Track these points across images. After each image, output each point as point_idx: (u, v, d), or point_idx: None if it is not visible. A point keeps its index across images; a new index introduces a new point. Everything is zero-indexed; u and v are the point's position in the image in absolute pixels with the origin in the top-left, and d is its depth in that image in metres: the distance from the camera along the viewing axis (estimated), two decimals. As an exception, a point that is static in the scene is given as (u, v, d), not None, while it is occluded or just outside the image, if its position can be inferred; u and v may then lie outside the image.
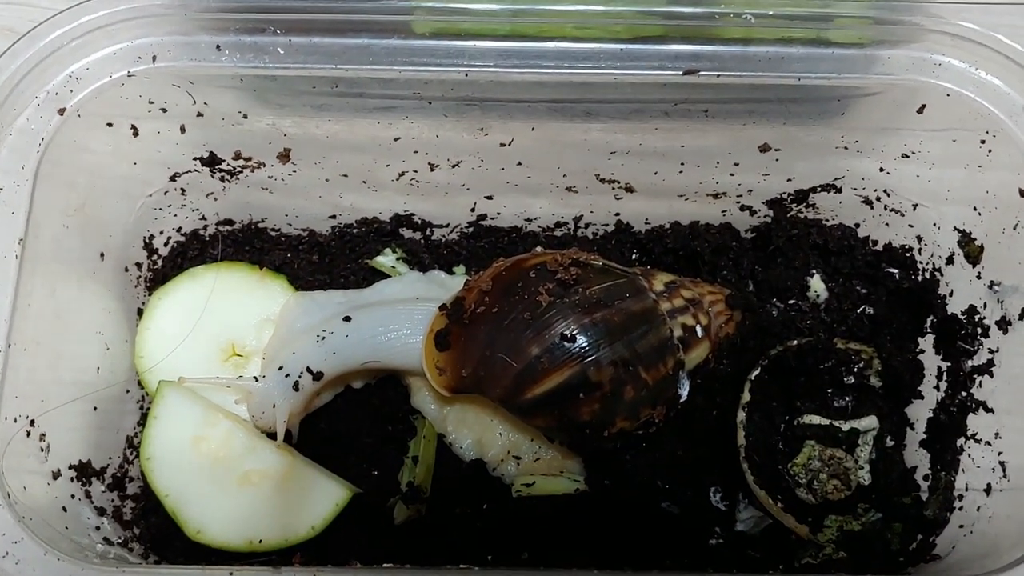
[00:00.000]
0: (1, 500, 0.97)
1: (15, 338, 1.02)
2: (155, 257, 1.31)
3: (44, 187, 1.06)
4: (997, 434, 1.15)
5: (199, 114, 1.16)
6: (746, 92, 1.12)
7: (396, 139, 1.19)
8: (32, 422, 1.05)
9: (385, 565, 1.15)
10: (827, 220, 1.32)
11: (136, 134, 1.17)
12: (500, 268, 1.14)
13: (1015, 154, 1.08)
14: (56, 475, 1.10)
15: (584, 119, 1.16)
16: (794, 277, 1.31)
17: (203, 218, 1.33)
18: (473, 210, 1.33)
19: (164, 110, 1.15)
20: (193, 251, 1.33)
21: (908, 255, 1.29)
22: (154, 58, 1.08)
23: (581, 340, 1.05)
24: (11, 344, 1.01)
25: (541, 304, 1.06)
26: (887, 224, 1.30)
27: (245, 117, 1.17)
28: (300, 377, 1.18)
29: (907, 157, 1.20)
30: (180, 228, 1.32)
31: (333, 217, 1.34)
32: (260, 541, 1.16)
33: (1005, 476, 1.12)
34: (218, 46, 1.07)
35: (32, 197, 1.05)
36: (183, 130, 1.18)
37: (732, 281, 1.30)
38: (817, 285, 1.31)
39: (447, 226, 1.36)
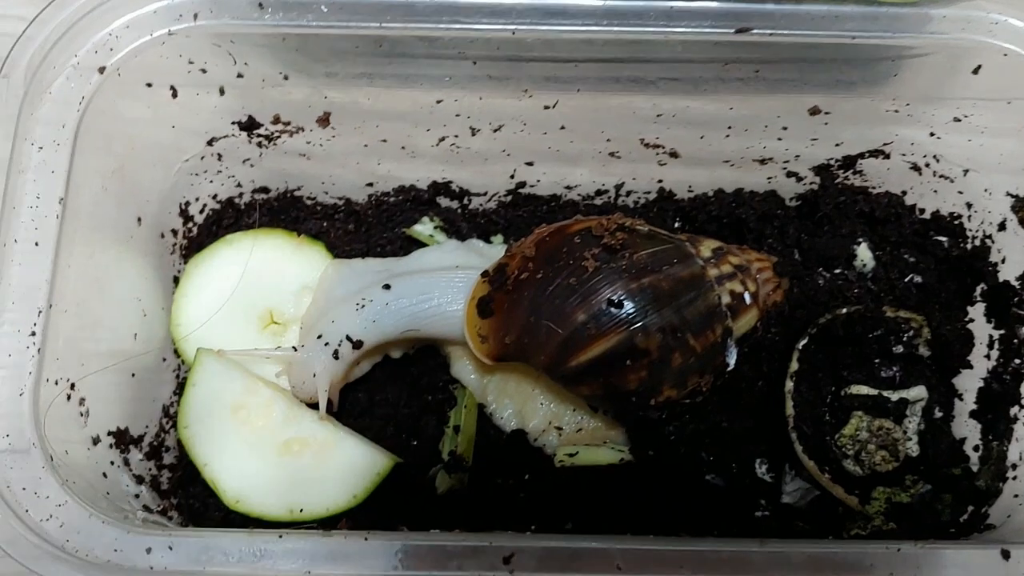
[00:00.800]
0: (45, 464, 0.96)
1: (56, 300, 1.00)
2: (190, 224, 1.29)
3: (84, 147, 1.04)
4: (1054, 402, 1.13)
5: (239, 75, 1.14)
6: (798, 52, 1.09)
7: (438, 102, 1.17)
8: (72, 385, 1.04)
9: (433, 531, 1.13)
10: (873, 187, 1.30)
11: (175, 95, 1.14)
12: (543, 234, 1.11)
13: (1074, 117, 1.06)
14: (96, 441, 1.08)
15: (632, 80, 1.14)
16: (841, 245, 1.29)
17: (239, 185, 1.31)
18: (513, 177, 1.31)
19: (204, 71, 1.13)
20: (228, 219, 1.31)
21: (957, 222, 1.27)
22: (195, 16, 1.06)
23: (628, 306, 1.03)
24: (52, 305, 0.99)
25: (587, 269, 1.04)
26: (935, 191, 1.27)
27: (286, 79, 1.15)
28: (340, 346, 1.16)
29: (958, 121, 1.18)
30: (216, 195, 1.30)
31: (370, 185, 1.32)
32: (301, 510, 1.14)
33: (1063, 444, 1.10)
34: (260, 4, 1.05)
35: (72, 158, 1.03)
36: (222, 92, 1.16)
37: (778, 249, 1.28)
38: (864, 254, 1.29)
39: (485, 194, 1.33)
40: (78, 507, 0.94)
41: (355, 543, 0.94)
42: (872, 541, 1.00)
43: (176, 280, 1.26)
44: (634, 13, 1.05)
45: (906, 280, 1.28)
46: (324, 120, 1.20)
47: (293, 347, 1.20)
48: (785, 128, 1.21)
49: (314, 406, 1.19)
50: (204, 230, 1.31)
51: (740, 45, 1.07)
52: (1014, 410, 1.17)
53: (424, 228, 1.32)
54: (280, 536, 0.94)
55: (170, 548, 0.93)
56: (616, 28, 1.05)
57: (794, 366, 1.20)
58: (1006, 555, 0.93)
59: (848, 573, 0.93)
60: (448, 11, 1.05)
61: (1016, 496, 1.13)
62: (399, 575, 0.93)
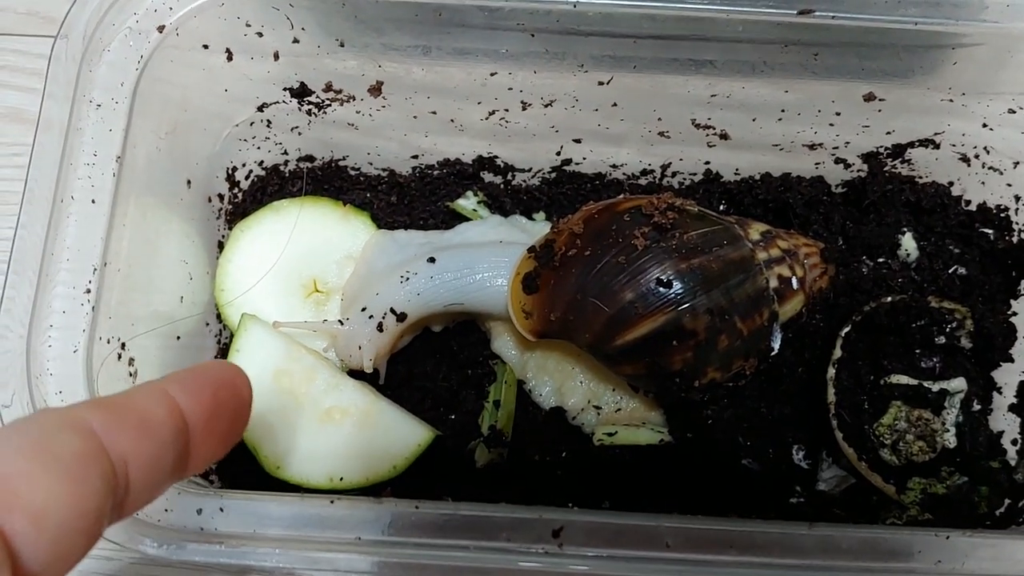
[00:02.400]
0: (96, 422, 0.95)
1: (110, 258, 1.00)
2: (236, 190, 1.29)
3: (140, 107, 1.04)
4: (1092, 398, 1.13)
5: (295, 40, 1.13)
6: (858, 36, 1.08)
7: (492, 74, 1.16)
8: (123, 345, 1.03)
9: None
10: (920, 177, 1.30)
11: (230, 59, 1.14)
12: (592, 211, 1.11)
13: None
14: (143, 402, 1.08)
15: (689, 58, 1.13)
16: (886, 234, 1.28)
17: (285, 153, 1.31)
18: (559, 154, 1.30)
19: (260, 35, 1.12)
20: (273, 186, 1.31)
21: (1004, 215, 1.26)
22: (256, -22, 1.05)
23: (677, 286, 1.03)
24: (107, 263, 0.99)
25: (636, 248, 1.04)
26: (983, 183, 1.27)
27: (342, 46, 1.14)
28: (384, 318, 1.16)
29: (1013, 113, 1.17)
30: (262, 162, 1.30)
31: (415, 157, 1.32)
32: (341, 479, 1.14)
33: (1104, 440, 1.10)
34: (324, -34, 1.05)
35: (130, 117, 1.03)
36: (276, 57, 1.15)
37: (823, 236, 1.28)
38: (908, 243, 1.28)
39: (529, 171, 1.33)
40: (128, 467, 0.94)
41: (405, 511, 0.94)
42: (919, 528, 1.00)
43: (220, 245, 1.26)
44: (696, -10, 1.05)
45: (950, 271, 1.27)
46: (376, 89, 1.20)
47: (339, 320, 1.20)
48: (838, 114, 1.20)
49: (362, 375, 1.19)
50: (249, 196, 1.30)
51: (801, 27, 1.06)
52: (1056, 405, 1.17)
53: (467, 203, 1.31)
54: (332, 502, 0.94)
55: (221, 510, 0.93)
56: (678, 5, 1.04)
57: (837, 353, 1.20)
58: (1053, 547, 0.94)
59: (895, 559, 0.93)
60: (510, -19, 1.05)
61: (1056, 490, 1.13)
62: (448, 543, 0.93)
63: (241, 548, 0.92)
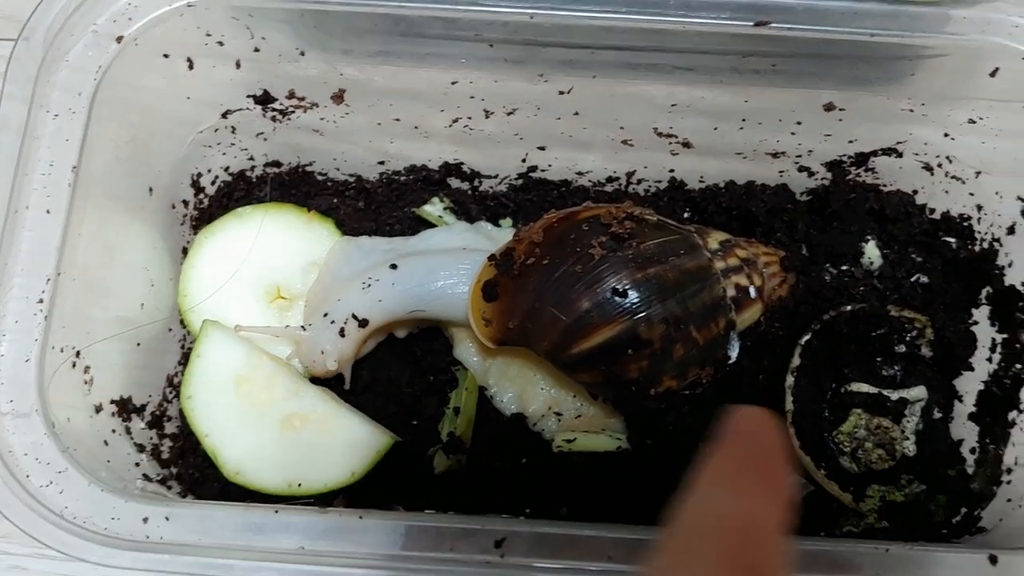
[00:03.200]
0: (47, 430, 0.97)
1: (64, 267, 1.01)
2: (201, 196, 1.30)
3: (99, 116, 1.04)
4: (1051, 409, 1.13)
5: (256, 49, 1.14)
6: (816, 47, 1.09)
7: (453, 83, 1.17)
8: (78, 353, 1.04)
9: (427, 511, 1.14)
10: (885, 185, 1.30)
11: (191, 67, 1.15)
12: (552, 220, 1.12)
13: (1088, 123, 1.06)
14: (98, 409, 1.09)
15: (648, 69, 1.13)
16: (849, 242, 1.28)
17: (251, 158, 1.31)
18: (524, 160, 1.31)
19: (221, 44, 1.13)
20: (240, 192, 1.32)
21: (967, 224, 1.27)
22: (215, -12, 1.06)
23: (633, 295, 1.03)
24: (60, 272, 1.00)
25: (593, 257, 1.04)
26: (947, 192, 1.27)
27: (303, 54, 1.15)
28: (346, 324, 1.17)
29: (974, 123, 1.17)
30: (228, 167, 1.31)
31: (381, 163, 1.32)
32: (299, 485, 1.15)
33: (1058, 451, 1.11)
34: (280, -22, 1.06)
35: (87, 126, 1.03)
36: (238, 65, 1.16)
37: (786, 244, 1.28)
38: (872, 251, 1.29)
39: (496, 177, 1.34)
40: (78, 474, 0.95)
41: (350, 520, 0.94)
42: (862, 540, 1.00)
43: (185, 251, 1.27)
44: (654, 2, 1.05)
45: (912, 279, 1.28)
46: (338, 97, 1.21)
47: (302, 326, 1.21)
48: (799, 123, 1.20)
49: (325, 382, 1.21)
50: (215, 202, 1.31)
51: (759, 38, 1.07)
52: (1012, 414, 1.17)
53: (433, 208, 1.32)
54: (276, 511, 0.95)
55: (167, 519, 0.94)
56: (635, 16, 1.05)
57: (795, 361, 1.20)
58: (993, 560, 0.94)
59: (836, 572, 0.93)
60: (468, -8, 1.05)
61: (1009, 500, 1.13)
62: (392, 554, 0.93)
63: (185, 557, 0.92)
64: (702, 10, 1.04)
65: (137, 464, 1.12)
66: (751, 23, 1.05)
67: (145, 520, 0.94)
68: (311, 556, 0.93)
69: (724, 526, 0.63)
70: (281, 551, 0.93)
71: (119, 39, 1.05)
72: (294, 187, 1.33)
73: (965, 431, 1.23)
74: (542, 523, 0.99)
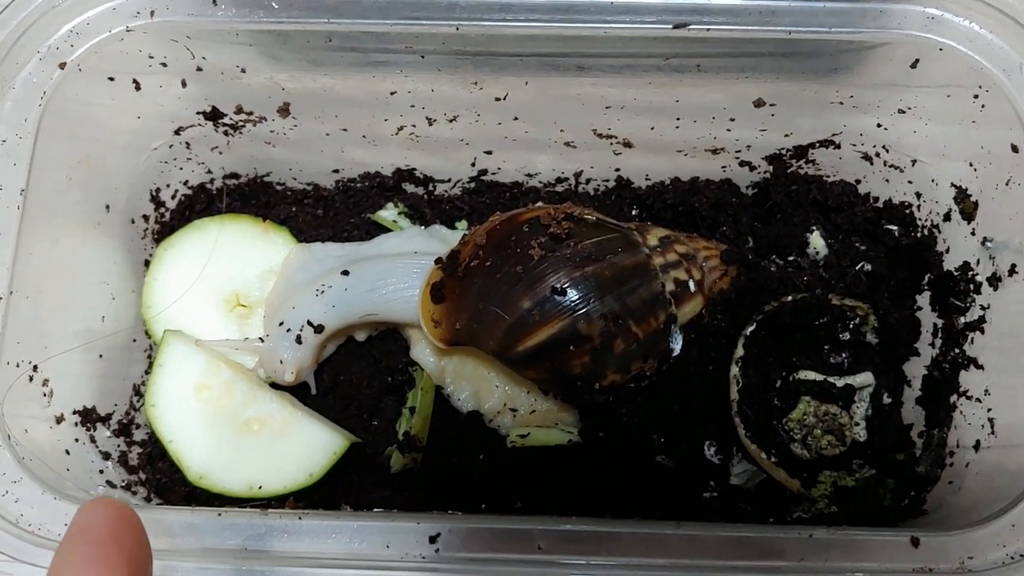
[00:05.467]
0: (2, 442, 1.01)
1: (16, 286, 1.05)
2: (162, 210, 1.34)
3: (46, 139, 1.09)
4: (987, 391, 1.14)
5: (199, 68, 1.17)
6: (738, 46, 1.11)
7: (392, 93, 1.20)
8: (35, 367, 1.08)
9: (375, 510, 1.17)
10: (828, 176, 1.32)
11: (138, 88, 1.18)
12: (495, 222, 1.15)
13: (1007, 109, 1.07)
14: (59, 419, 1.13)
15: (577, 73, 1.16)
16: (793, 233, 1.31)
17: (209, 171, 1.35)
18: (474, 165, 1.34)
19: (164, 64, 1.16)
20: (200, 204, 1.36)
21: (908, 212, 1.29)
22: (152, 13, 1.09)
23: (572, 293, 1.06)
24: (13, 292, 1.04)
25: (533, 258, 1.07)
26: (887, 180, 1.29)
27: (243, 71, 1.18)
28: (301, 331, 1.21)
29: (903, 112, 1.19)
30: (187, 181, 1.35)
31: (336, 171, 1.36)
32: (260, 487, 1.19)
33: (993, 433, 1.12)
34: (214, 1, 1.09)
35: (34, 149, 1.07)
36: (184, 84, 1.20)
37: (731, 237, 1.30)
38: (817, 242, 1.31)
39: (449, 181, 1.37)
40: (33, 483, 0.99)
41: (289, 522, 0.98)
42: (785, 526, 1.02)
43: (148, 263, 1.31)
44: (574, 9, 1.07)
45: (857, 268, 1.29)
46: (284, 110, 1.24)
47: (260, 338, 1.24)
48: (733, 119, 1.23)
49: (291, 387, 1.25)
50: (176, 215, 1.35)
51: (679, 40, 1.09)
52: (953, 398, 1.19)
53: (388, 214, 1.35)
54: (219, 514, 0.99)
55: (116, 523, 0.98)
56: (557, 24, 1.07)
57: (739, 352, 1.23)
58: (915, 543, 0.96)
59: (760, 558, 0.96)
60: (394, 8, 1.08)
61: (951, 482, 1.16)
62: (330, 551, 0.97)
63: (132, 560, 0.96)
64: (621, 14, 1.07)
65: (101, 471, 1.17)
66: (670, 26, 1.07)
67: (94, 525, 0.98)
68: (252, 556, 0.97)
69: None
70: (224, 551, 0.97)
71: (62, 65, 1.09)
72: (253, 197, 1.37)
73: (914, 416, 1.25)
74: (473, 519, 1.02)
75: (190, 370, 1.23)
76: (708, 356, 1.27)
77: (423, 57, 1.14)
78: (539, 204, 1.32)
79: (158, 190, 1.32)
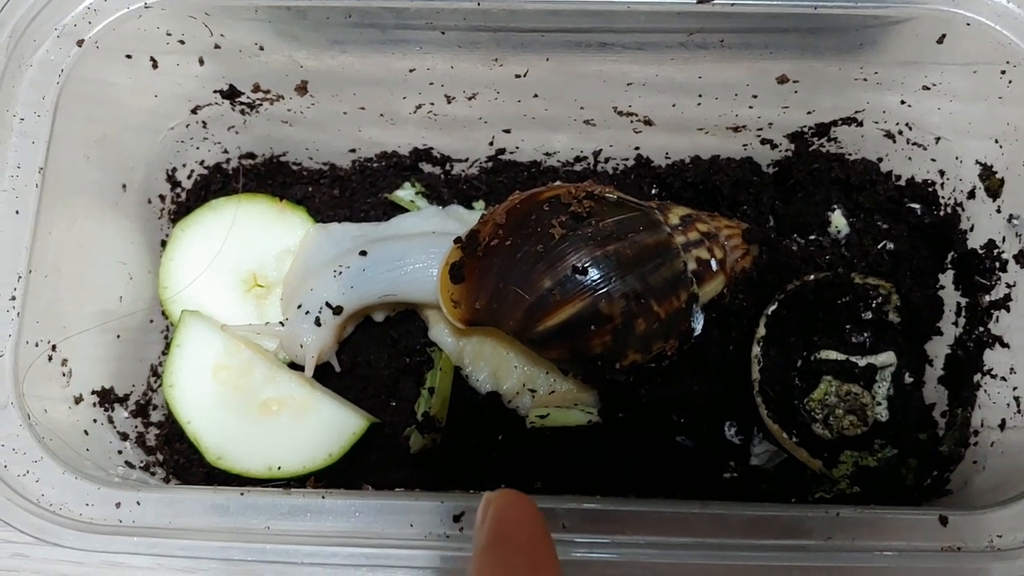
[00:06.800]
0: (22, 421, 1.00)
1: (35, 265, 1.05)
2: (179, 190, 1.33)
3: (64, 118, 1.08)
4: (1012, 369, 1.14)
5: (216, 46, 1.17)
6: (762, 22, 1.10)
7: (411, 71, 1.19)
8: (54, 347, 1.08)
9: (396, 490, 1.17)
10: (850, 154, 1.31)
11: (155, 66, 1.18)
12: (515, 201, 1.14)
13: (1035, 85, 1.06)
14: (78, 400, 1.13)
15: (599, 50, 1.15)
16: (815, 212, 1.30)
17: (225, 151, 1.34)
18: (492, 144, 1.33)
19: (182, 42, 1.16)
20: (216, 184, 1.35)
21: (931, 190, 1.27)
22: (170, -11, 1.09)
23: (593, 273, 1.05)
24: (32, 271, 1.04)
25: (554, 237, 1.06)
26: (910, 158, 1.28)
27: (261, 49, 1.17)
28: (320, 312, 1.20)
29: (928, 89, 1.18)
30: (203, 161, 1.34)
31: (353, 151, 1.35)
32: (279, 468, 1.19)
33: (1020, 411, 1.11)
34: (233, -23, 1.08)
35: (52, 128, 1.07)
36: (201, 62, 1.19)
37: (752, 216, 1.29)
38: (838, 220, 1.30)
39: (466, 160, 1.36)
40: (53, 463, 0.99)
41: (312, 501, 0.98)
42: (812, 505, 1.02)
43: (164, 244, 1.30)
44: (598, -17, 1.07)
45: (879, 247, 1.28)
46: (302, 88, 1.23)
47: (280, 322, 1.24)
48: (755, 96, 1.21)
49: (300, 367, 1.23)
50: (193, 195, 1.34)
51: (703, 15, 1.08)
52: (977, 377, 1.18)
53: (405, 193, 1.34)
54: (242, 494, 0.98)
55: (138, 503, 0.98)
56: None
57: (761, 331, 1.22)
58: (944, 521, 0.95)
59: (787, 536, 0.95)
60: (414, -18, 1.07)
61: (975, 462, 1.15)
62: (354, 530, 0.97)
63: (155, 539, 0.96)
64: (645, -10, 1.06)
65: (120, 452, 1.16)
66: (694, 1, 1.06)
67: (118, 505, 0.98)
68: (276, 535, 0.96)
69: None
70: (248, 531, 0.97)
71: (80, 42, 1.08)
72: (270, 177, 1.36)
73: (936, 395, 1.24)
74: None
75: (208, 351, 1.22)
76: (729, 336, 1.26)
77: (443, 33, 1.12)
78: (558, 183, 1.31)
79: (174, 170, 1.31)
